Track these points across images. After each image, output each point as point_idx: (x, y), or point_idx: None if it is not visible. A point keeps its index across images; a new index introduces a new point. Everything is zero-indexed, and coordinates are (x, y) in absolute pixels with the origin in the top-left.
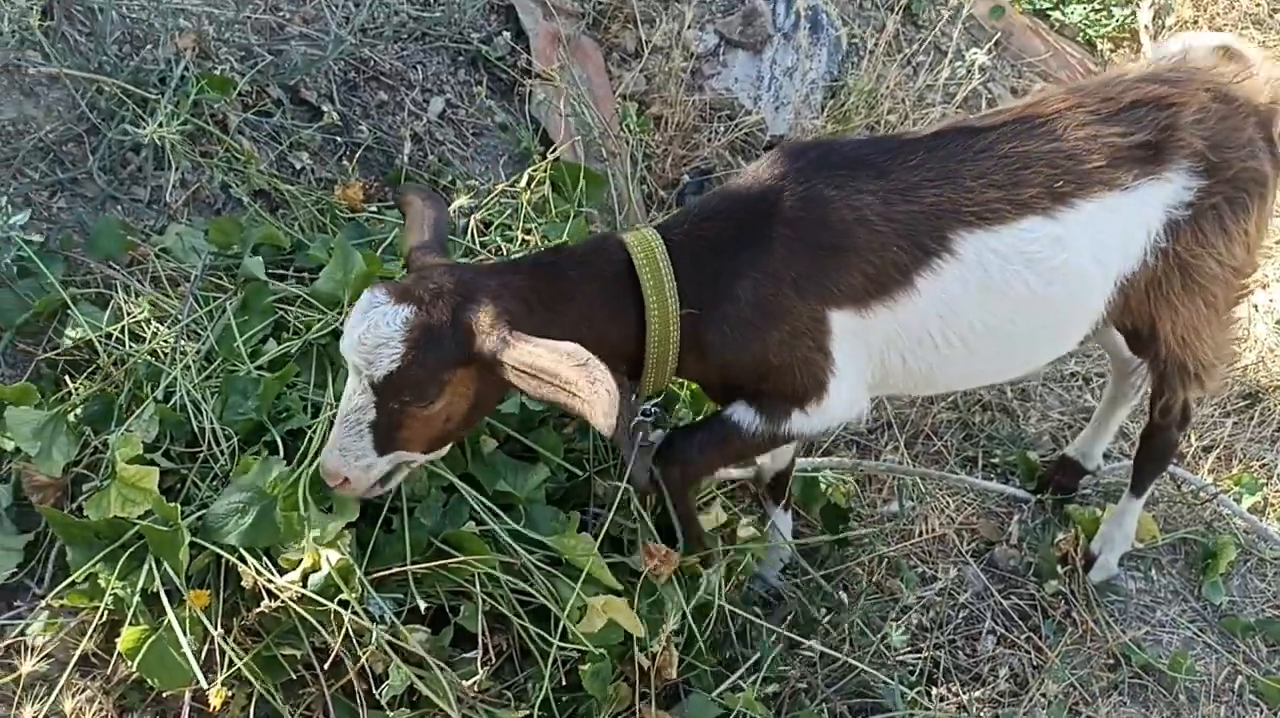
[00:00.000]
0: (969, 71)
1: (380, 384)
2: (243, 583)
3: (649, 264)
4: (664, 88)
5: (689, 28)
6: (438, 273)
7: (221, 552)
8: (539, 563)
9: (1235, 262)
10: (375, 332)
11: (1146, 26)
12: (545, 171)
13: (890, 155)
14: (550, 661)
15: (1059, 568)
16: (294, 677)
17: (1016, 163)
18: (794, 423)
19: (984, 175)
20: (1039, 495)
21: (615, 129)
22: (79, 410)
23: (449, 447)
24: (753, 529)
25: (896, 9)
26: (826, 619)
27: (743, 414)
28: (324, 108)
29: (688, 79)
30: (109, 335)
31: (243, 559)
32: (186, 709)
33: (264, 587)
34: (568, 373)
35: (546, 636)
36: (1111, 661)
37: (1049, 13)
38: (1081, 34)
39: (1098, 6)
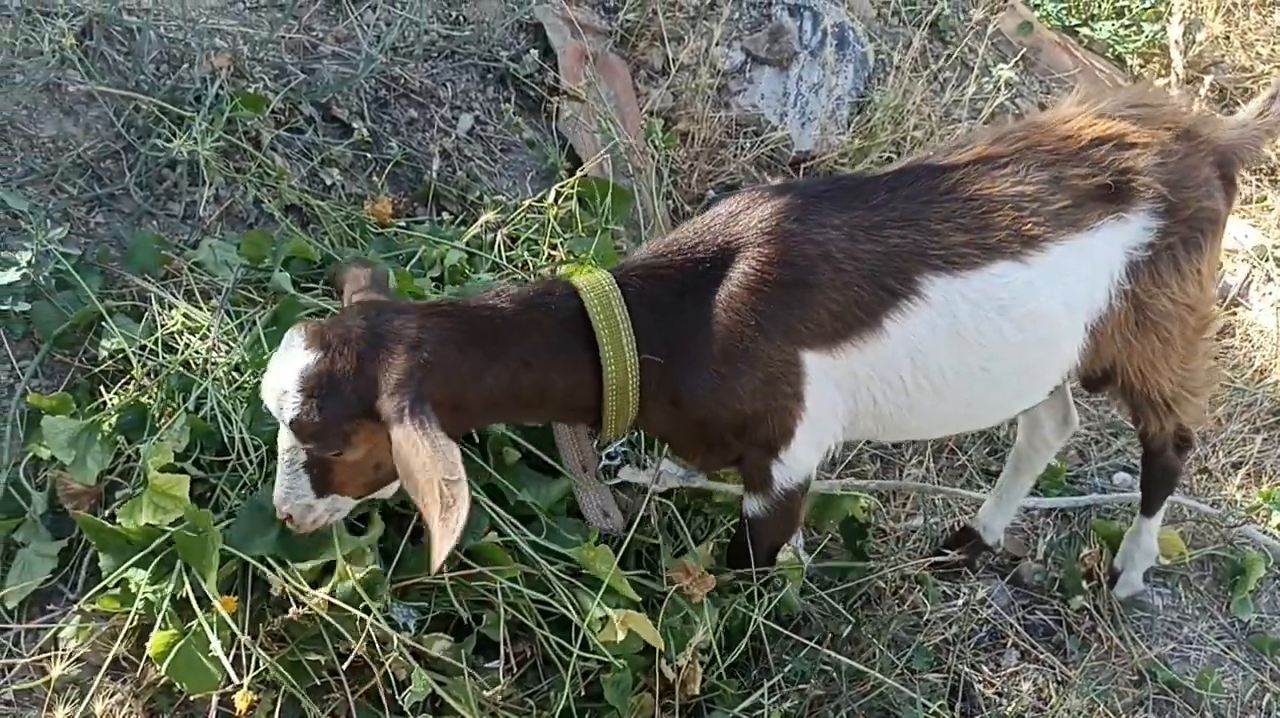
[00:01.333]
0: (996, 88)
1: (292, 429)
2: (270, 590)
3: (603, 309)
4: (690, 104)
5: (716, 44)
6: (359, 314)
7: (250, 559)
8: (559, 573)
9: (1188, 299)
10: (277, 378)
11: (1177, 42)
12: (573, 188)
13: (852, 194)
14: (570, 670)
15: (1084, 584)
16: (319, 682)
17: (982, 206)
18: (778, 477)
19: (949, 218)
20: (939, 557)
21: (642, 145)
22: (113, 420)
23: (390, 488)
24: (790, 554)
25: (923, 25)
26: (848, 633)
27: (748, 504)
28: (355, 125)
29: (714, 95)
30: (143, 347)
31: (270, 568)
32: (214, 713)
33: (291, 593)
34: (430, 488)
35: (568, 645)
36: (1137, 677)
37: (1077, 29)
38: (1111, 49)
39: (1127, 22)
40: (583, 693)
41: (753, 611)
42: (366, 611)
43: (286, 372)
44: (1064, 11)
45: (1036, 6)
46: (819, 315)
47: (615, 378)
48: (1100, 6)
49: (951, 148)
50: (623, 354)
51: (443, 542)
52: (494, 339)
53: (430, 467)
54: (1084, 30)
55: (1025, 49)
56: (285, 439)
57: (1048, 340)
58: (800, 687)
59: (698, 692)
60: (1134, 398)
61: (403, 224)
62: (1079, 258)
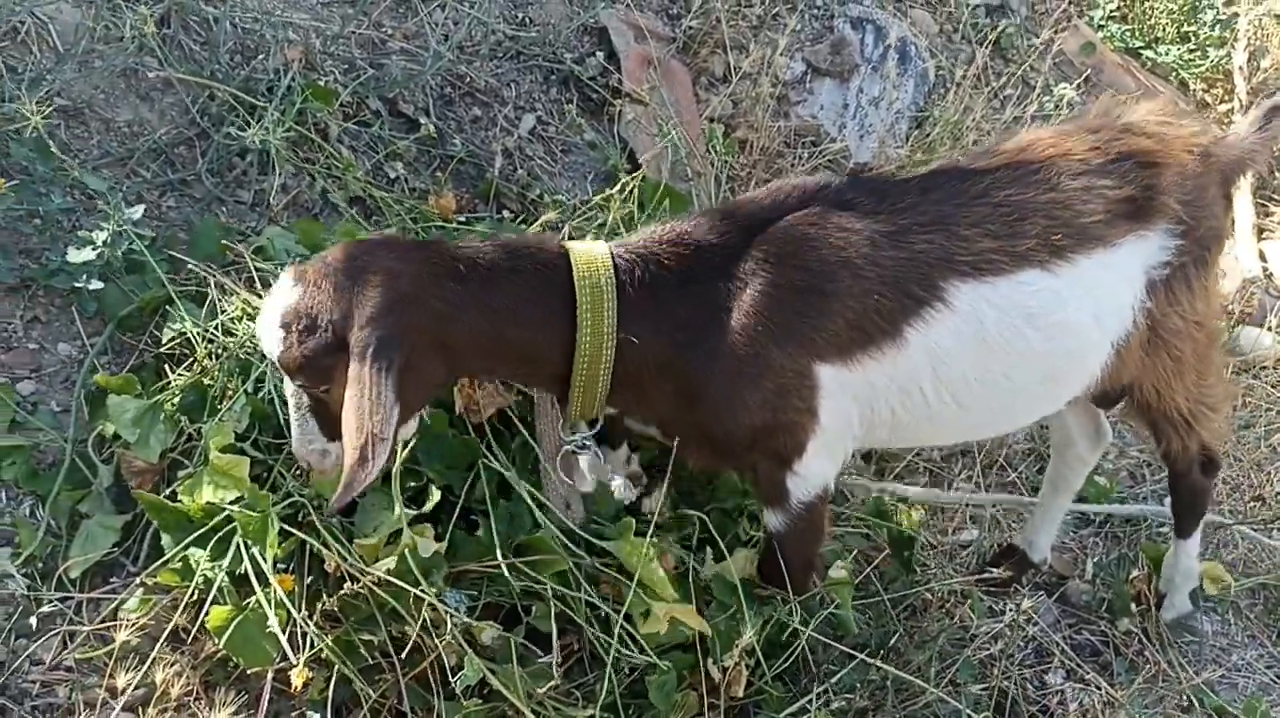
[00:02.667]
0: (1057, 106)
1: (281, 368)
2: (325, 567)
3: (589, 280)
4: (750, 112)
5: (779, 53)
6: (344, 249)
7: (308, 538)
8: (604, 567)
9: (1197, 316)
10: (264, 315)
11: (1241, 68)
12: (632, 190)
13: (879, 197)
14: (611, 663)
15: (1133, 606)
16: (371, 662)
17: (1013, 212)
18: (793, 490)
19: (979, 224)
20: (984, 574)
21: (702, 151)
22: (175, 401)
23: (408, 427)
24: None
25: (986, 43)
26: (895, 642)
27: (769, 519)
28: (421, 120)
29: (774, 105)
30: (204, 332)
31: (326, 545)
32: (268, 687)
33: (347, 571)
34: (359, 435)
35: (611, 639)
36: (1185, 703)
37: (1141, 51)
38: (1175, 74)
39: (1192, 47)
40: (630, 688)
41: (801, 622)
42: (420, 590)
43: (271, 309)
44: (1128, 34)
45: (1100, 28)
46: (835, 325)
47: (588, 351)
48: (1165, 30)
49: (984, 151)
50: (600, 329)
51: (345, 492)
52: (476, 281)
53: (368, 415)
54: (1147, 53)
55: (1088, 70)
56: (287, 383)
57: (1075, 352)
58: (846, 696)
59: (742, 694)
60: (1151, 416)
61: (463, 220)
62: (1106, 271)
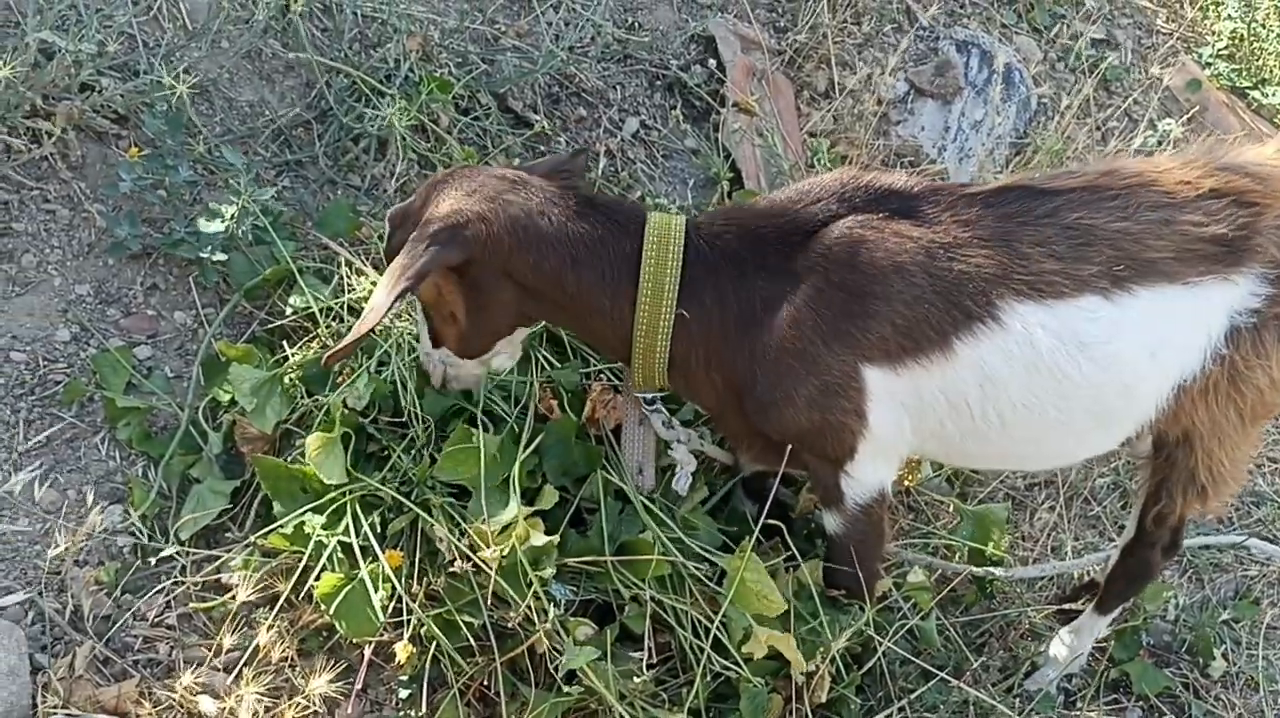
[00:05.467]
0: (1160, 142)
1: (386, 261)
2: (438, 544)
3: (658, 249)
4: (851, 129)
5: (887, 73)
6: (455, 170)
7: (421, 512)
8: (704, 577)
9: (1276, 377)
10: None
11: None
12: (730, 198)
13: (945, 207)
14: (702, 671)
15: (1214, 650)
16: (466, 644)
17: (1080, 236)
18: (848, 492)
19: (1043, 243)
20: (1063, 606)
21: (804, 164)
22: (296, 374)
23: (489, 353)
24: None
25: (1093, 74)
26: (978, 664)
27: (827, 521)
28: (532, 118)
29: (875, 123)
30: (327, 309)
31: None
32: (366, 659)
33: (459, 550)
34: (373, 297)
35: (703, 644)
36: None
37: (1248, 91)
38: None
39: None
40: (713, 693)
41: (877, 630)
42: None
43: (396, 207)
44: (1235, 73)
45: (1208, 65)
46: (883, 329)
47: (647, 318)
48: (1273, 72)
49: (1061, 173)
50: (660, 298)
51: (341, 345)
52: (550, 222)
53: (382, 285)
54: (1254, 94)
55: (1195, 108)
56: None
57: (1130, 388)
58: (928, 715)
59: (823, 700)
60: (1174, 472)
61: None
62: (1173, 309)
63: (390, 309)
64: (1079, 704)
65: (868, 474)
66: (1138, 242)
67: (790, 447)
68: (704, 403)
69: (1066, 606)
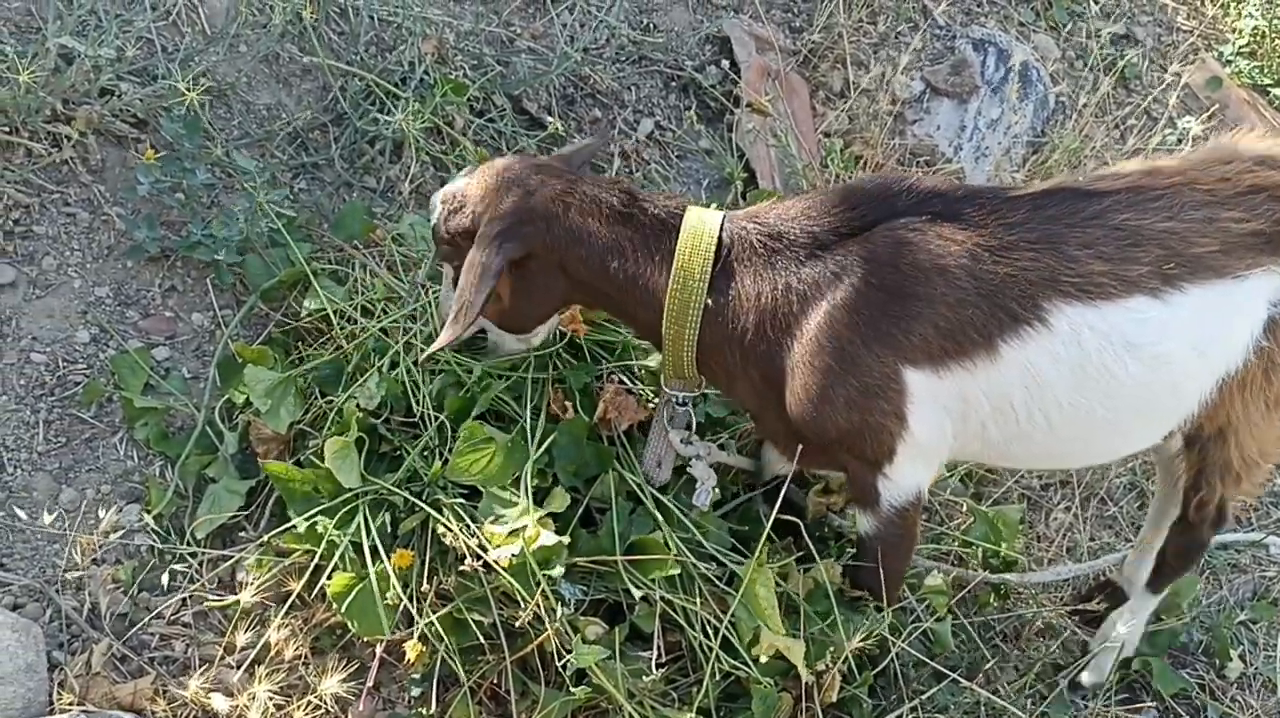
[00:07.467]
0: (1180, 140)
1: (433, 236)
2: (447, 541)
3: (693, 243)
4: (866, 129)
5: (901, 72)
6: (510, 160)
7: (431, 511)
8: (714, 577)
9: None
10: (441, 190)
11: None
12: (745, 198)
13: (990, 210)
14: (711, 670)
15: (1232, 652)
16: (476, 643)
17: (1127, 237)
18: (885, 494)
19: (1091, 245)
20: (1079, 607)
21: (819, 164)
22: (309, 375)
23: (531, 333)
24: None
25: (1111, 73)
26: (992, 664)
27: (860, 522)
28: (546, 119)
29: (890, 122)
30: (341, 313)
31: (448, 526)
32: (378, 657)
33: (470, 549)
34: (458, 303)
35: (713, 644)
36: None
37: (1269, 89)
38: None
39: None
40: (722, 692)
41: (891, 630)
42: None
43: (447, 187)
44: (1256, 70)
45: (1229, 63)
46: (924, 330)
47: (675, 307)
48: None
49: (1105, 174)
50: (688, 288)
51: (439, 343)
52: (597, 218)
53: (467, 288)
54: (1276, 91)
55: (1215, 105)
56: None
57: (1176, 386)
58: (939, 716)
59: (833, 700)
60: (1209, 462)
61: None
62: (1220, 305)
63: (482, 307)
64: (1092, 704)
65: (905, 477)
66: (1185, 239)
67: (828, 448)
68: (744, 401)
69: (1082, 606)
